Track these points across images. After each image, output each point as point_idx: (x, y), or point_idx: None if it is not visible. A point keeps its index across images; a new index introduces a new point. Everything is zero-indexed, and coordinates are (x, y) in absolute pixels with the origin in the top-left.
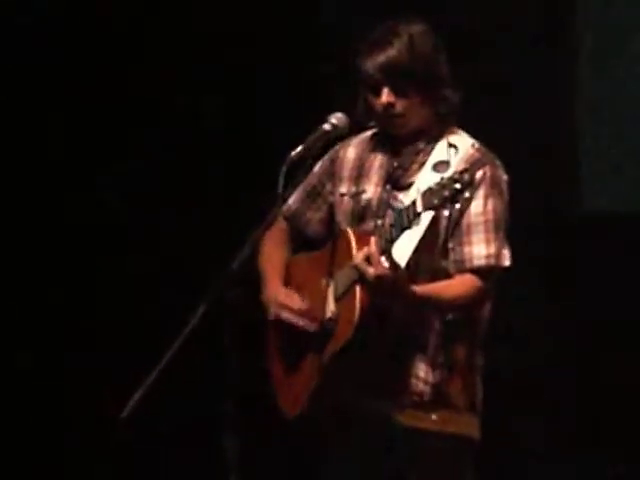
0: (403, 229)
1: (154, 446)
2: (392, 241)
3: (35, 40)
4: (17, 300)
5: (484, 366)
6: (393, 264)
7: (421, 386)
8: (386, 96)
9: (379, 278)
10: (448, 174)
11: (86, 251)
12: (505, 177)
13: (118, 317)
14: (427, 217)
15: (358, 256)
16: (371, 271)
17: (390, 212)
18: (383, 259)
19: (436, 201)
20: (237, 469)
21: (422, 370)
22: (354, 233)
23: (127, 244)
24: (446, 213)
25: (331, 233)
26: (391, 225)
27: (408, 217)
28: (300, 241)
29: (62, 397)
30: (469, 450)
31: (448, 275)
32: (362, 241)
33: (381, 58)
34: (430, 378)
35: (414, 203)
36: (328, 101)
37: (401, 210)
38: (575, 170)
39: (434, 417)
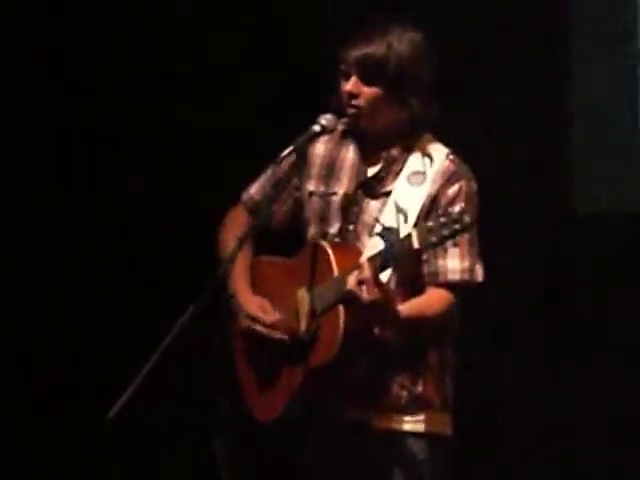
0: (395, 260)
1: (143, 445)
2: (382, 270)
3: (31, 40)
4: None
5: (456, 365)
6: (382, 288)
7: (399, 391)
8: (351, 84)
9: (372, 304)
10: (450, 212)
11: (82, 251)
12: (476, 188)
13: (108, 317)
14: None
15: (351, 281)
16: (365, 297)
17: (378, 240)
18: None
19: (434, 239)
20: (227, 469)
21: (399, 375)
22: (332, 247)
23: (126, 243)
24: None
25: (296, 228)
26: (380, 254)
27: (402, 250)
28: (261, 233)
29: (50, 398)
30: (445, 448)
31: (418, 285)
32: (341, 256)
33: (358, 49)
34: (406, 382)
35: (409, 237)
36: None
37: (393, 242)
38: (569, 171)
39: (412, 419)
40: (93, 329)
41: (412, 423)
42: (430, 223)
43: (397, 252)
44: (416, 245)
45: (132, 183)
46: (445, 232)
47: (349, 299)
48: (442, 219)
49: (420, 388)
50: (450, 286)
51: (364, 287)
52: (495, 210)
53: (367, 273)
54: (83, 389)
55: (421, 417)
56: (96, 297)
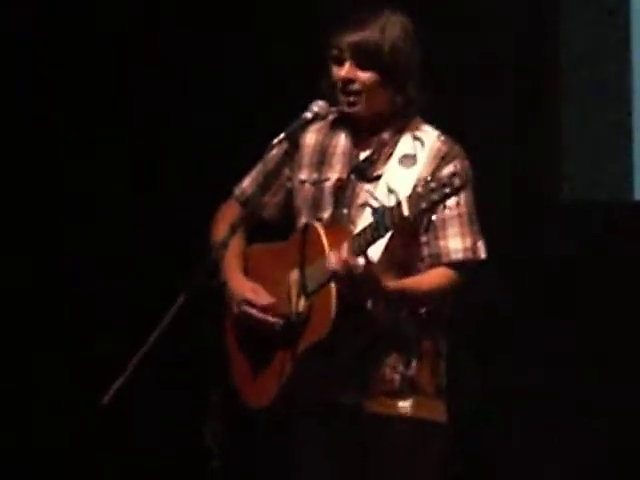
0: (386, 230)
1: (136, 432)
2: (373, 241)
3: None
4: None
5: (448, 352)
6: (367, 263)
7: (392, 375)
8: (346, 70)
9: (353, 280)
10: (440, 177)
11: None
12: (469, 166)
13: (100, 306)
14: None
15: (331, 261)
16: (346, 275)
17: (368, 211)
18: (359, 260)
19: (424, 205)
20: (219, 456)
21: (392, 359)
22: (323, 227)
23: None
24: None
25: (288, 219)
26: (371, 225)
27: (392, 219)
28: (253, 225)
29: (45, 385)
30: (440, 434)
31: (418, 267)
32: (333, 236)
33: (352, 34)
34: (400, 367)
35: (399, 205)
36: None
37: (384, 211)
38: (557, 159)
39: (405, 404)
40: (87, 316)
41: (404, 408)
42: (419, 189)
43: (387, 221)
44: (406, 213)
45: (134, 177)
46: (435, 197)
47: (332, 277)
48: (432, 184)
49: (413, 373)
50: (454, 266)
51: (343, 264)
52: (478, 195)
53: (344, 253)
54: (77, 376)
55: (413, 402)
56: (89, 286)
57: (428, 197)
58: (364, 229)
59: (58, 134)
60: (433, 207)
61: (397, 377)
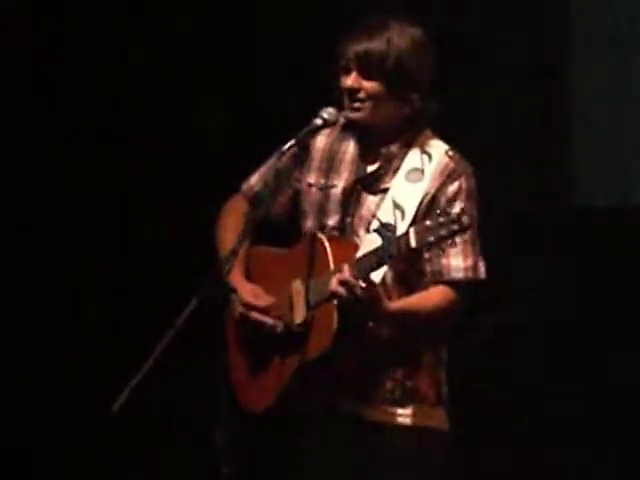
0: (390, 257)
1: (145, 437)
2: (377, 267)
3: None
4: (14, 293)
5: (448, 360)
6: (370, 284)
7: (392, 385)
8: (352, 79)
9: (354, 301)
10: (449, 212)
11: (85, 245)
12: (475, 184)
13: (110, 313)
14: None
15: (333, 282)
16: (347, 297)
17: (375, 236)
18: (360, 282)
19: (431, 239)
20: (228, 460)
21: (393, 370)
22: (329, 240)
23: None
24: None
25: (295, 220)
26: (376, 251)
27: (399, 249)
28: (258, 223)
29: (56, 393)
30: (440, 442)
31: (420, 284)
32: (338, 250)
33: (358, 44)
34: (400, 377)
35: (407, 236)
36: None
37: (390, 240)
38: (568, 166)
39: (405, 412)
40: (96, 323)
41: (404, 416)
42: (428, 222)
43: (393, 250)
44: (413, 244)
45: (137, 177)
46: (443, 232)
47: (333, 297)
48: (441, 219)
49: (414, 382)
50: (454, 284)
51: (344, 286)
52: (494, 201)
53: (345, 274)
54: (87, 383)
55: (414, 410)
56: (97, 292)
57: (436, 231)
58: (369, 253)
59: (58, 134)
60: (440, 241)
61: (397, 387)
